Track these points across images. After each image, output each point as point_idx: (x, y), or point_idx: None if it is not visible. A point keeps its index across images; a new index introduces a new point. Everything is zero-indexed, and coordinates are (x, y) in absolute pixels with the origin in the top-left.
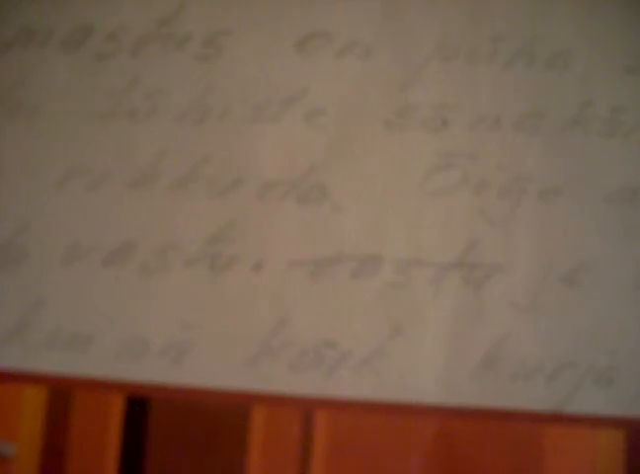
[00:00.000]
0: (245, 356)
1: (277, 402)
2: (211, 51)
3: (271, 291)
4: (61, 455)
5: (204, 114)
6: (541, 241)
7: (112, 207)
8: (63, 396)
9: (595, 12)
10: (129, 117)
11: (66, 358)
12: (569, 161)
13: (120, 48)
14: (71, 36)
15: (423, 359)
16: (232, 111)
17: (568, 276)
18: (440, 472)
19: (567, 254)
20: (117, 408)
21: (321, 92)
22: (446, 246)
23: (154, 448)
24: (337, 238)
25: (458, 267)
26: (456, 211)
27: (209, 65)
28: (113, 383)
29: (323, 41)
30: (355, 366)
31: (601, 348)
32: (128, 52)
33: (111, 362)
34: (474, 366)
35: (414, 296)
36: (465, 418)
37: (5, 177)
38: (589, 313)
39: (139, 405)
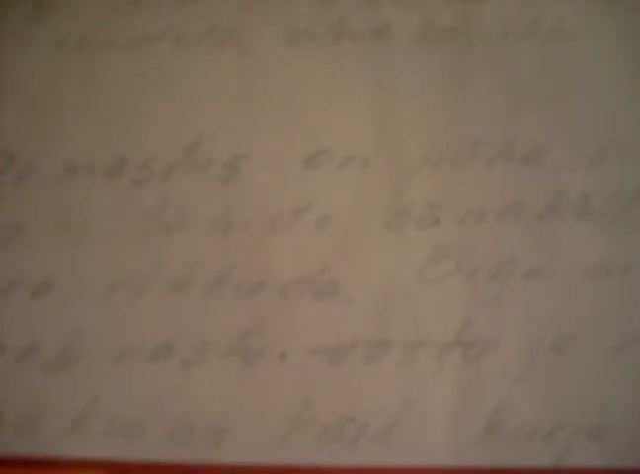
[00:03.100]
0: (276, 435)
1: None
2: (231, 173)
3: (295, 377)
4: None
5: (228, 226)
6: (529, 316)
7: (153, 312)
8: None
9: (561, 109)
10: (164, 232)
11: (121, 445)
12: (548, 243)
13: (153, 174)
14: (111, 166)
15: (433, 427)
16: (252, 222)
17: (555, 345)
18: None
19: (553, 326)
20: None
21: (327, 200)
22: (445, 327)
23: None
24: (350, 327)
25: (457, 344)
26: (452, 296)
27: (230, 184)
28: (163, 465)
29: (326, 157)
30: (373, 437)
31: (590, 407)
32: (160, 177)
33: (160, 447)
34: (479, 431)
35: (420, 373)
36: None
37: (58, 290)
38: (577, 377)
39: None
